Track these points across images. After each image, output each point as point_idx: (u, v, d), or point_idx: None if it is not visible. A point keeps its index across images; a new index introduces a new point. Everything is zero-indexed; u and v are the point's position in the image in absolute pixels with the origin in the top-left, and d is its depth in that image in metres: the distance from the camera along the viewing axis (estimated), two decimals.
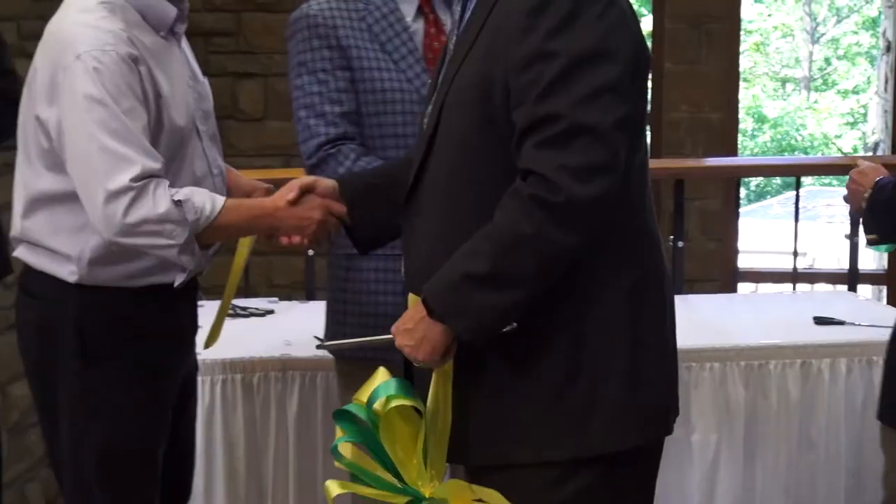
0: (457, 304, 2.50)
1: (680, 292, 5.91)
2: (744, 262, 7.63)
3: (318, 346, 2.85)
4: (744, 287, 7.92)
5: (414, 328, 2.55)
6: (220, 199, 3.08)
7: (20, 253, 3.26)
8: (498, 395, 2.60)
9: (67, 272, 3.16)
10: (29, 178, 3.19)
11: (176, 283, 3.15)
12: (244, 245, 3.37)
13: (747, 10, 22.63)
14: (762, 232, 16.02)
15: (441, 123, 2.64)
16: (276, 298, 5.06)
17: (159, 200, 2.97)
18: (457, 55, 2.65)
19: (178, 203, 3.00)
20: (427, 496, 2.65)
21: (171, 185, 3.05)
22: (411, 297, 2.60)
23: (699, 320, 4.76)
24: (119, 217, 2.95)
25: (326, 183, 3.08)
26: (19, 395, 5.82)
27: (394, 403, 2.62)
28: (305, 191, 3.06)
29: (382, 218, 3.01)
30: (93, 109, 2.97)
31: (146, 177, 2.97)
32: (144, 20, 3.17)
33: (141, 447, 3.25)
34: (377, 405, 2.63)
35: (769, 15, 24.84)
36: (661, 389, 2.71)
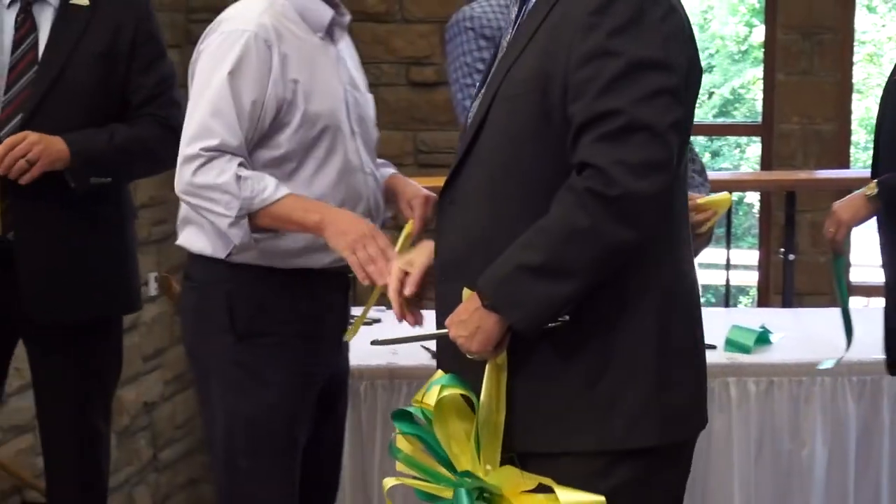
0: (512, 294, 2.53)
1: (790, 305, 5.85)
2: (856, 275, 7.52)
3: (373, 343, 2.88)
4: (856, 301, 7.81)
5: (468, 319, 2.59)
6: (284, 190, 3.19)
7: (182, 239, 3.47)
8: (531, 387, 2.65)
9: (216, 250, 3.34)
10: None
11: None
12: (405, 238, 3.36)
13: (861, 21, 22.28)
14: (875, 245, 15.79)
15: (490, 116, 2.67)
16: (383, 307, 5.07)
17: (224, 172, 3.15)
18: (511, 52, 2.68)
19: (239, 178, 3.16)
20: (482, 482, 2.68)
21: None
22: (465, 290, 2.64)
23: (810, 334, 4.70)
24: (188, 176, 3.18)
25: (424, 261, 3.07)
26: (129, 399, 5.89)
27: (445, 392, 2.68)
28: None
29: None
30: (209, 79, 3.21)
31: (220, 150, 3.17)
32: (303, 20, 3.35)
33: (284, 424, 3.38)
34: (430, 397, 2.69)
35: (883, 26, 24.51)
36: (687, 391, 2.73)
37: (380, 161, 3.58)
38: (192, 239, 3.42)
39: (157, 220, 6.11)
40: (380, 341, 2.86)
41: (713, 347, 4.56)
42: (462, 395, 2.69)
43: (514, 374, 2.66)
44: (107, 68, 3.60)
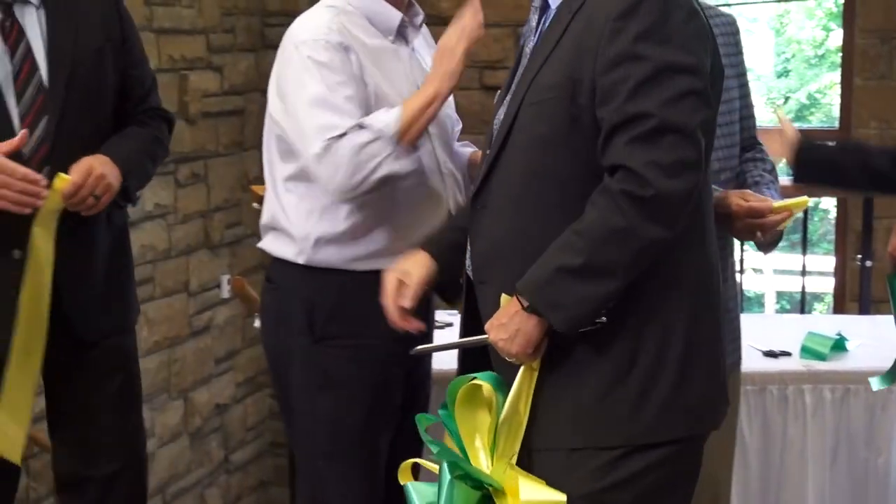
0: (553, 295, 2.60)
1: (867, 312, 5.78)
2: None
3: (412, 351, 2.92)
4: None
5: (508, 322, 2.65)
6: (397, 108, 3.28)
7: (264, 243, 3.52)
8: (558, 381, 2.72)
9: (296, 253, 3.41)
10: (269, 168, 3.49)
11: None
12: None
13: None
14: None
15: (517, 122, 2.74)
16: (455, 311, 5.07)
17: (352, 138, 3.21)
18: (535, 59, 2.75)
19: (360, 126, 3.23)
20: (482, 475, 2.76)
21: None
22: (504, 296, 2.71)
23: (887, 342, 4.64)
24: (332, 172, 3.22)
25: (430, 272, 3.10)
26: (201, 402, 5.92)
27: (475, 382, 2.76)
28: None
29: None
30: (300, 92, 3.28)
31: (341, 133, 3.22)
32: (372, 24, 3.40)
33: (364, 427, 3.41)
34: (461, 384, 2.78)
35: None
36: (709, 385, 2.79)
37: (459, 144, 3.61)
38: (274, 243, 3.47)
39: (229, 223, 6.14)
40: (419, 349, 2.92)
41: (788, 354, 4.53)
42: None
43: (542, 371, 2.72)
44: (106, 62, 3.53)
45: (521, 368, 2.72)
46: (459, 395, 2.79)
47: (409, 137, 3.27)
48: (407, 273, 3.03)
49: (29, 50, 3.29)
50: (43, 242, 3.25)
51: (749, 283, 10.36)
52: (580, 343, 2.68)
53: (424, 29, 3.60)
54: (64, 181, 3.25)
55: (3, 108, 3.24)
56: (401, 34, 3.45)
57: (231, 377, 6.25)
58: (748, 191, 3.46)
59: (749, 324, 4.24)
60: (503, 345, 2.68)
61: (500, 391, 2.76)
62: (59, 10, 3.37)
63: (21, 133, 3.22)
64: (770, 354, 4.54)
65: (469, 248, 2.90)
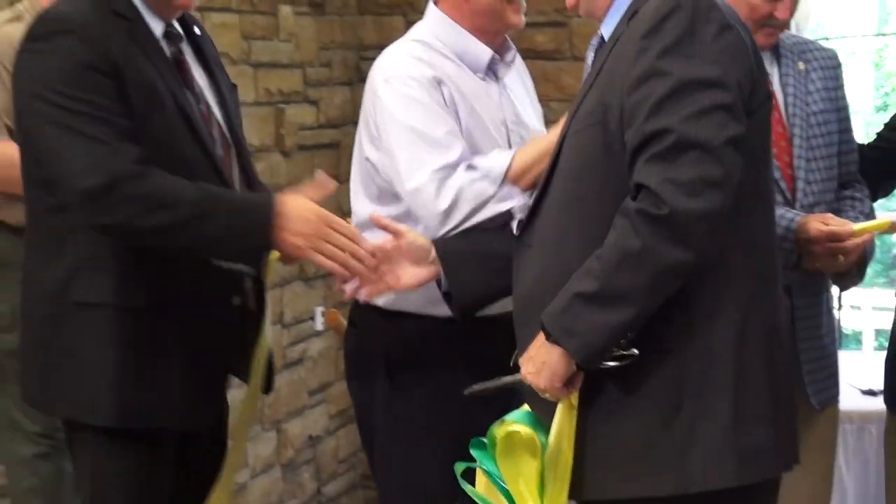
0: (568, 322, 2.49)
1: None
2: None
3: (466, 392, 2.83)
4: None
5: (535, 355, 2.56)
6: (507, 151, 3.25)
7: (347, 284, 3.42)
8: (601, 428, 2.59)
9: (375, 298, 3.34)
10: (353, 207, 3.48)
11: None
12: None
13: None
14: None
15: (561, 155, 2.66)
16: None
17: (461, 176, 3.18)
18: (579, 94, 2.69)
19: (471, 167, 3.20)
20: None
21: None
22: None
23: None
24: (431, 207, 3.18)
25: (417, 240, 3.08)
26: (294, 433, 5.95)
27: (510, 428, 2.66)
28: (395, 233, 3.12)
29: (480, 284, 3.06)
30: (396, 128, 3.24)
31: (449, 167, 3.19)
32: (461, 61, 3.35)
33: (440, 476, 3.31)
34: (499, 430, 2.68)
35: None
36: (766, 428, 2.60)
37: None
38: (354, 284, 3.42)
39: None
40: (471, 391, 2.82)
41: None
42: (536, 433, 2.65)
43: (583, 413, 2.59)
44: (237, 100, 3.42)
45: (559, 406, 2.60)
46: (499, 442, 2.69)
47: (525, 183, 3.21)
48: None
49: (199, 87, 3.17)
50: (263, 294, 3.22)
51: (847, 320, 10.22)
52: (618, 379, 2.54)
53: (519, 61, 3.57)
54: None
55: (202, 142, 3.04)
56: (491, 71, 3.42)
57: (324, 409, 6.27)
58: (829, 214, 3.42)
59: (847, 361, 4.18)
60: (532, 378, 2.58)
61: (540, 430, 2.65)
62: (204, 48, 3.28)
63: (322, 177, 3.16)
64: (869, 393, 4.47)
65: (514, 288, 2.79)
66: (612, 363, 2.53)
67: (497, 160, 3.23)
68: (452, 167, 3.20)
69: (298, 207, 2.93)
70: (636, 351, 2.51)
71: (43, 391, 3.02)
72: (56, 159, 2.82)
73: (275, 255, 3.07)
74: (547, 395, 2.59)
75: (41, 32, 2.87)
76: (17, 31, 3.80)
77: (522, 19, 3.38)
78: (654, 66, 2.46)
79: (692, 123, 2.41)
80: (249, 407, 3.23)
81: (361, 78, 6.45)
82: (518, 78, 3.55)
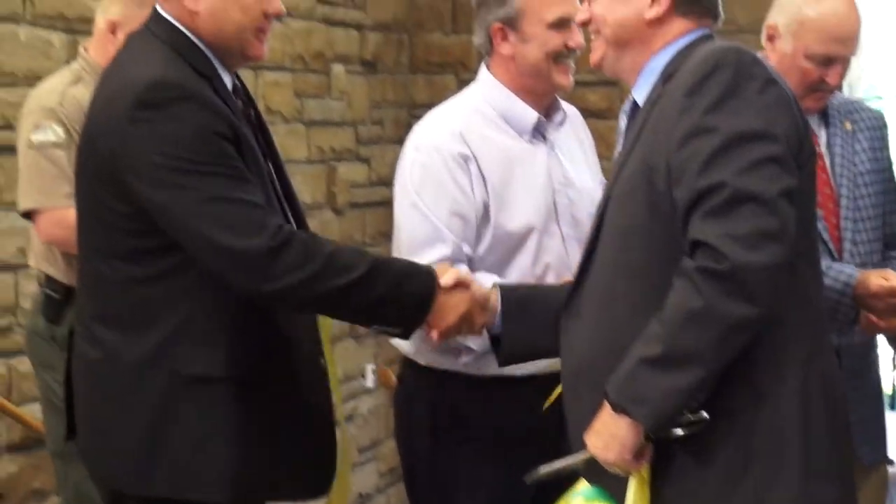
0: (635, 390, 2.43)
1: None
2: None
3: (528, 478, 2.74)
4: None
5: (601, 428, 2.49)
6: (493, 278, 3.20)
7: (395, 340, 3.44)
8: (672, 492, 2.52)
9: (415, 353, 3.37)
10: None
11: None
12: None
13: None
14: None
15: (605, 219, 2.63)
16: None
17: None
18: (621, 155, 2.67)
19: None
20: None
21: (500, 276, 3.24)
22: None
23: None
24: None
25: (483, 288, 3.04)
26: None
27: None
28: (460, 283, 3.01)
29: (531, 336, 3.00)
30: (404, 199, 3.28)
31: (444, 261, 3.16)
32: (508, 124, 3.36)
33: None
34: None
35: None
36: (836, 482, 2.56)
37: None
38: (402, 342, 3.41)
39: None
40: (534, 476, 2.75)
41: None
42: None
43: (656, 484, 2.52)
44: None
45: (632, 481, 2.51)
46: None
47: None
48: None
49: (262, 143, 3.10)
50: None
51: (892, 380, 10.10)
52: (686, 445, 2.48)
53: (577, 119, 3.55)
54: None
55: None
56: (538, 132, 3.40)
57: (374, 467, 6.27)
58: (889, 270, 3.41)
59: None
60: (600, 454, 2.49)
61: None
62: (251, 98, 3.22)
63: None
64: None
65: (562, 360, 2.76)
66: (682, 430, 2.47)
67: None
68: (446, 261, 3.20)
69: (449, 300, 2.94)
70: (706, 415, 2.45)
71: (138, 470, 2.81)
72: (208, 228, 2.68)
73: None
74: (616, 470, 2.51)
75: (155, 100, 2.71)
76: (83, 93, 3.84)
77: (570, 80, 3.38)
78: (701, 123, 2.45)
79: (745, 176, 2.39)
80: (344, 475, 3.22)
81: None
82: (573, 136, 3.52)
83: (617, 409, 2.46)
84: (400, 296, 2.85)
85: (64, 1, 4.64)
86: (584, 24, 2.76)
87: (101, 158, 2.78)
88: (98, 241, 2.84)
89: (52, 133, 3.88)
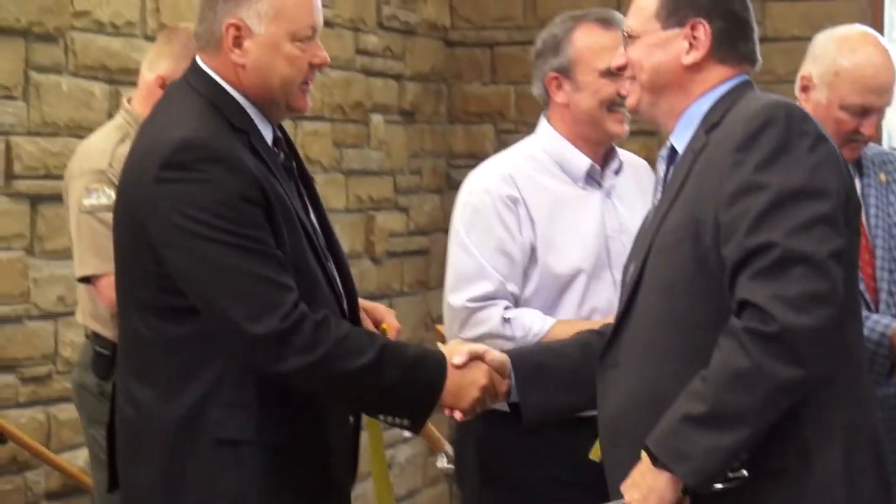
0: (679, 447, 2.41)
1: None
2: None
3: None
4: None
5: (640, 481, 2.46)
6: (551, 320, 3.30)
7: None
8: None
9: None
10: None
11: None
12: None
13: None
14: None
15: (647, 270, 2.59)
16: None
17: (490, 318, 3.30)
18: (662, 204, 2.64)
19: (505, 320, 3.30)
20: None
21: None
22: (643, 453, 2.51)
23: None
24: (456, 330, 3.34)
25: (496, 355, 2.96)
26: None
27: None
28: (474, 357, 2.94)
29: (549, 400, 2.96)
30: (456, 236, 3.39)
31: (486, 298, 3.30)
32: (563, 170, 3.44)
33: None
34: None
35: None
36: None
37: None
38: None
39: None
40: None
41: None
42: None
43: None
44: None
45: None
46: None
47: None
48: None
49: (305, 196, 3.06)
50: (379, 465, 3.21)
51: None
52: (736, 502, 2.44)
53: (641, 167, 3.58)
54: None
55: (319, 258, 2.90)
56: (592, 179, 3.46)
57: None
58: None
59: None
60: None
61: None
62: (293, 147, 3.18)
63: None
64: None
65: (599, 409, 2.73)
66: (720, 485, 2.44)
67: (537, 322, 3.31)
68: (487, 298, 3.31)
69: (464, 374, 2.87)
70: (745, 472, 2.43)
71: None
72: (221, 299, 2.65)
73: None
74: None
75: (182, 161, 2.67)
76: None
77: (625, 129, 3.43)
78: (752, 180, 2.42)
79: (796, 237, 2.37)
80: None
81: (451, 185, 6.51)
82: (634, 185, 3.54)
83: (658, 463, 2.44)
84: (412, 381, 2.79)
85: (106, 52, 4.68)
86: (621, 70, 2.74)
87: (131, 215, 2.77)
88: (134, 297, 2.82)
89: (104, 196, 3.86)
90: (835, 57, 3.45)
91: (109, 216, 3.84)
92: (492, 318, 3.30)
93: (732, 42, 2.65)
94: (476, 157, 6.65)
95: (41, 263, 4.46)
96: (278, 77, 2.80)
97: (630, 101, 2.75)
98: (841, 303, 2.39)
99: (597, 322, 3.22)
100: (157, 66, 4.00)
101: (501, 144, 6.77)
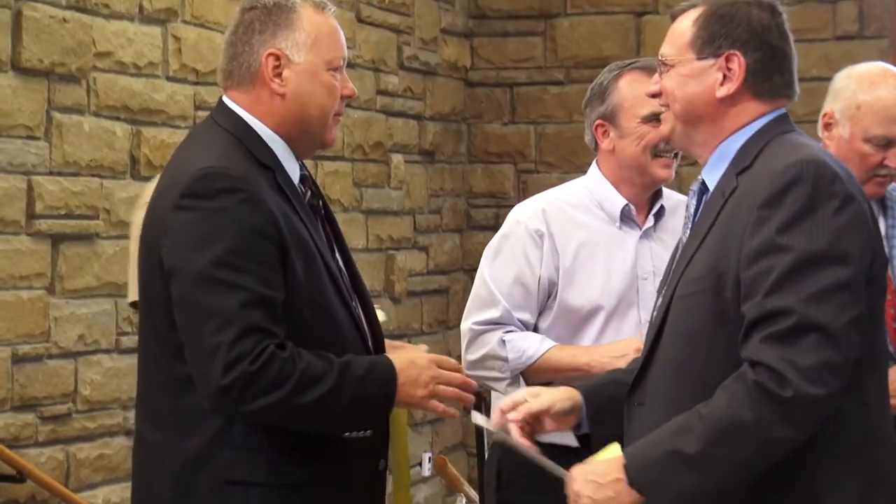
0: (660, 480, 2.43)
1: None
2: None
3: (493, 440, 2.69)
4: None
5: (605, 484, 2.47)
6: (548, 343, 3.43)
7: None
8: None
9: (485, 420, 3.37)
10: None
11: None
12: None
13: None
14: None
15: (669, 316, 2.59)
16: None
17: (489, 342, 3.46)
18: (688, 249, 2.62)
19: (503, 342, 3.45)
20: None
21: None
22: (615, 447, 2.54)
23: None
24: (463, 350, 3.52)
25: (560, 404, 2.87)
26: None
27: None
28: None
29: (621, 431, 2.96)
30: (484, 261, 3.55)
31: (491, 323, 3.47)
32: (602, 209, 3.53)
33: None
34: None
35: None
36: None
37: None
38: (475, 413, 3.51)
39: None
40: (499, 436, 2.73)
41: None
42: None
43: None
44: None
45: None
46: None
47: (537, 379, 3.36)
48: (536, 394, 2.81)
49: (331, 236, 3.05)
50: (401, 455, 3.17)
51: None
52: None
53: (678, 221, 3.61)
54: None
55: (343, 298, 2.89)
56: (630, 219, 3.52)
57: None
58: None
59: None
60: (585, 501, 2.49)
61: None
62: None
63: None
64: None
65: (625, 446, 2.68)
66: None
67: (533, 346, 3.43)
68: (492, 323, 3.47)
69: (410, 359, 2.85)
70: None
71: None
72: (199, 342, 2.64)
73: (403, 412, 3.05)
74: None
75: (203, 190, 2.67)
76: None
77: (671, 173, 3.50)
78: (775, 240, 2.41)
79: (813, 305, 2.36)
80: None
81: (470, 225, 6.52)
82: (680, 224, 3.58)
83: (633, 484, 2.45)
84: (365, 396, 2.75)
85: (128, 92, 4.71)
86: (655, 97, 2.71)
87: (149, 245, 2.77)
88: (150, 333, 2.81)
89: None
90: (855, 91, 3.45)
91: None
92: (492, 340, 3.46)
93: (768, 75, 2.60)
94: (495, 197, 6.64)
95: (62, 303, 4.48)
96: (317, 106, 2.81)
97: (664, 129, 2.73)
98: (849, 371, 2.38)
99: (589, 348, 3.41)
100: None
101: (521, 184, 6.79)
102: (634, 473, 2.45)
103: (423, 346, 2.97)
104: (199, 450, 2.72)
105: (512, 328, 3.44)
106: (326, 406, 2.69)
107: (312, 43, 2.79)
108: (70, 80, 4.50)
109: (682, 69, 2.64)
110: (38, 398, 4.41)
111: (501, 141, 6.80)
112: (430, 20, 6.54)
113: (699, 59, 2.62)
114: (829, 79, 3.64)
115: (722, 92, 2.60)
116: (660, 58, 2.69)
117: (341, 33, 2.86)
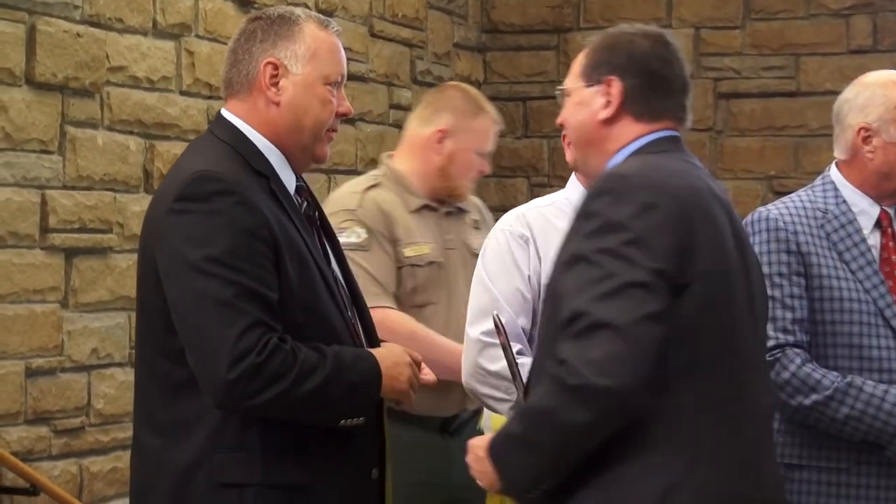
0: (504, 456, 2.61)
1: None
2: None
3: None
4: None
5: (484, 457, 2.64)
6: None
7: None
8: None
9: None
10: None
11: None
12: None
13: None
14: None
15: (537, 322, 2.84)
16: None
17: (499, 358, 3.32)
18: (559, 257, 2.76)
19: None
20: None
21: None
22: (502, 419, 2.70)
23: None
24: (472, 358, 3.48)
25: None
26: None
27: None
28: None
29: None
30: (479, 273, 3.55)
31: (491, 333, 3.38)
32: None
33: None
34: None
35: None
36: None
37: None
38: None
39: None
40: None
41: None
42: None
43: None
44: None
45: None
46: None
47: None
48: None
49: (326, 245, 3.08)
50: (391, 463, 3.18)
51: None
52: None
53: None
54: None
55: (338, 305, 2.93)
56: None
57: None
58: None
59: None
60: (473, 473, 2.69)
61: None
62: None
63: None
64: None
65: None
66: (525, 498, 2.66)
67: None
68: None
69: (390, 351, 2.93)
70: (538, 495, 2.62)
71: None
72: (203, 338, 2.69)
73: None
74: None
75: (197, 192, 2.72)
76: (381, 196, 3.95)
77: None
78: (577, 249, 2.55)
79: (603, 304, 2.48)
80: None
81: None
82: None
83: (492, 460, 2.62)
84: (358, 384, 2.82)
85: (141, 107, 4.73)
86: (561, 127, 2.85)
87: (145, 251, 2.81)
88: (147, 339, 2.85)
89: (354, 234, 3.93)
90: (886, 95, 3.42)
91: (359, 255, 3.88)
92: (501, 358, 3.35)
93: (646, 98, 2.69)
94: (509, 210, 6.64)
95: (75, 316, 4.49)
96: (311, 118, 2.85)
97: (568, 158, 2.88)
98: (652, 362, 2.48)
99: None
100: (435, 120, 4.07)
101: (534, 198, 6.77)
102: (493, 453, 2.62)
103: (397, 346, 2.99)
104: (194, 453, 2.75)
105: (520, 347, 3.37)
106: (325, 394, 2.74)
107: (311, 56, 2.84)
108: (84, 94, 4.52)
109: (574, 97, 2.79)
110: (52, 411, 4.43)
111: (514, 155, 6.81)
112: (442, 34, 6.56)
113: (587, 86, 2.76)
114: (841, 93, 3.62)
115: (603, 115, 2.72)
116: (558, 90, 2.85)
117: (342, 51, 2.89)
